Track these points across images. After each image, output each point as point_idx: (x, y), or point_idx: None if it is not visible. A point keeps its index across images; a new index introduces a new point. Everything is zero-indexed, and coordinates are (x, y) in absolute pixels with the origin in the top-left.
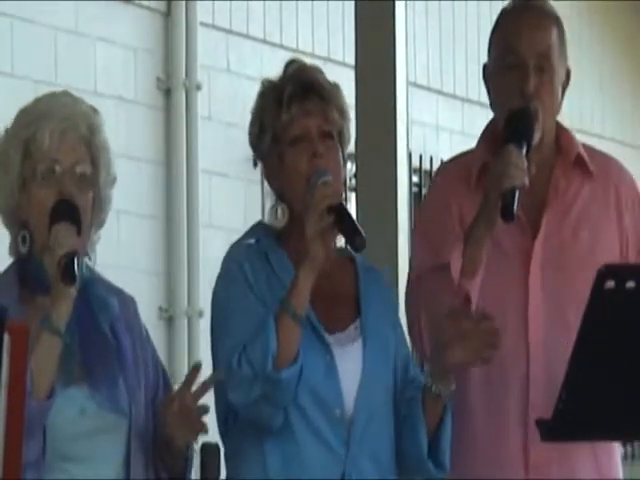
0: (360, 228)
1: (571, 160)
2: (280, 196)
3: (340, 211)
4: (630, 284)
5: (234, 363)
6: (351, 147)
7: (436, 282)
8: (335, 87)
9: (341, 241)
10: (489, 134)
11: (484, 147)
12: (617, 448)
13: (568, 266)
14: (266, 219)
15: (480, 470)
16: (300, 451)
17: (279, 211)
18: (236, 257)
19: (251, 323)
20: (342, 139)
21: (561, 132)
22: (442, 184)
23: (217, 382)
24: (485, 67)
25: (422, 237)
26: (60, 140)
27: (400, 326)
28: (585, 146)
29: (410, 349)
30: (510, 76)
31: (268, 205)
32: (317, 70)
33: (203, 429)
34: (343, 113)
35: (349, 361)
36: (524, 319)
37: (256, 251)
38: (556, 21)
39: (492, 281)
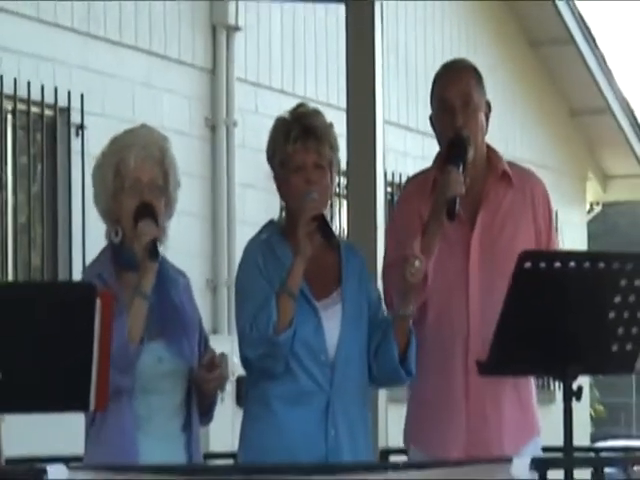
0: (334, 232)
1: (499, 174)
2: (285, 203)
3: (321, 219)
4: (542, 265)
5: (247, 328)
6: (344, 166)
7: (401, 265)
8: (329, 127)
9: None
10: (438, 159)
11: (435, 168)
12: (532, 381)
13: (497, 251)
14: (276, 218)
15: (431, 401)
16: (297, 386)
17: (283, 214)
18: (252, 250)
19: (260, 299)
20: (332, 166)
21: (490, 152)
22: (406, 196)
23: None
24: (430, 117)
25: (392, 236)
26: (141, 163)
27: (373, 288)
28: (509, 162)
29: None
30: (444, 118)
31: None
32: (317, 114)
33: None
34: (333, 147)
35: (332, 320)
36: (465, 289)
37: (267, 245)
38: (473, 70)
39: (442, 263)
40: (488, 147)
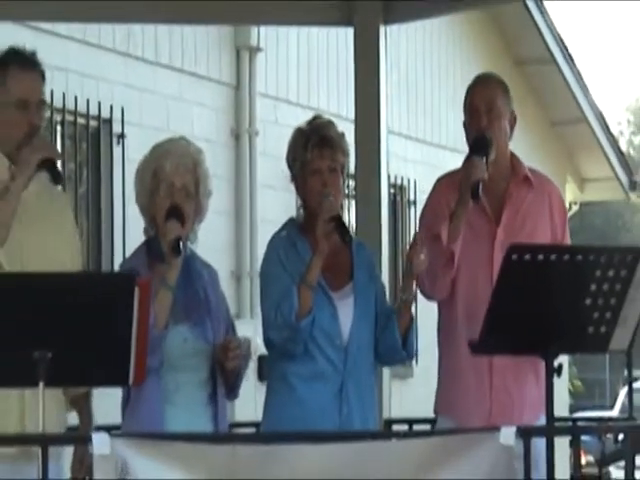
0: (349, 230)
1: (521, 178)
2: (304, 202)
3: (338, 219)
4: (527, 257)
5: (272, 315)
6: (352, 170)
7: (431, 246)
8: (341, 136)
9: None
10: (465, 160)
11: (462, 169)
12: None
13: None
14: (295, 215)
15: (459, 374)
16: (314, 366)
17: (301, 211)
18: (274, 246)
19: (282, 290)
20: (343, 169)
21: (514, 159)
22: (439, 189)
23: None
24: (464, 123)
25: (424, 220)
26: (176, 170)
27: (380, 282)
28: (529, 168)
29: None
30: (472, 122)
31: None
32: (331, 124)
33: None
34: (345, 153)
35: (345, 310)
36: (490, 275)
37: (288, 241)
38: (500, 82)
39: (469, 251)
40: (512, 154)
